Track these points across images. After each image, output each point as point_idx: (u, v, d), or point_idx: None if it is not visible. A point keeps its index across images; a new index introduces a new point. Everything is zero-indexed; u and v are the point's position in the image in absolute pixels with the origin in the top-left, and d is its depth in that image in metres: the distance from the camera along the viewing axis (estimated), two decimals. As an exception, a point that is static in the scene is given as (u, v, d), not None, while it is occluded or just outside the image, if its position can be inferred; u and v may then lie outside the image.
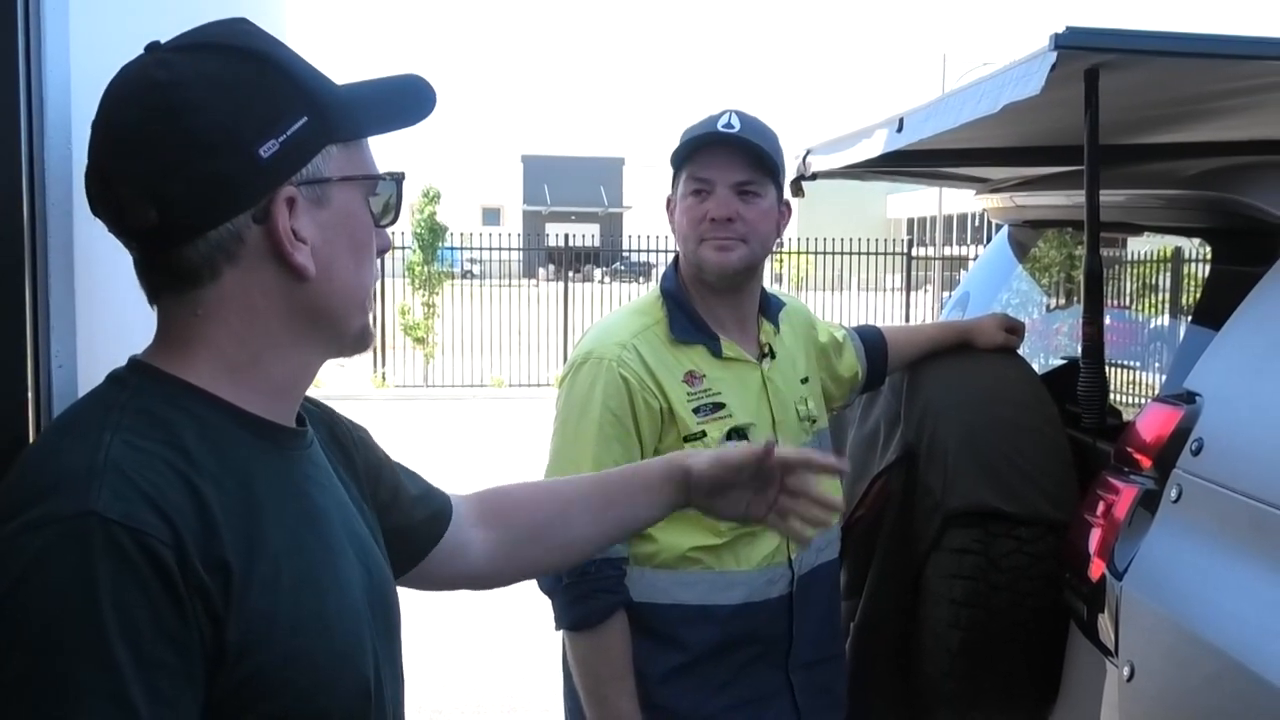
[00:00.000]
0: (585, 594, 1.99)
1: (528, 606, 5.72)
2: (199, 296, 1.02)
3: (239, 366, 1.04)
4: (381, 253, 1.14)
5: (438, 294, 16.80)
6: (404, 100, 1.13)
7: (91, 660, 0.86)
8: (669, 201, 2.17)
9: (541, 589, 2.06)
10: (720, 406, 2.05)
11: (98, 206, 1.03)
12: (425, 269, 16.66)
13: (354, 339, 1.13)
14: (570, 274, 17.71)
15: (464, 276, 19.01)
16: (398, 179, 1.14)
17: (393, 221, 1.15)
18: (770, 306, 2.23)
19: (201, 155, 0.98)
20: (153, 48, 1.03)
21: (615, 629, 2.00)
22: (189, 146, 0.98)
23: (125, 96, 1.01)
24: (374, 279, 1.15)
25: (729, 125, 2.05)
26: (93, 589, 0.87)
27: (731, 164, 2.06)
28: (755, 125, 2.09)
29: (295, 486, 1.08)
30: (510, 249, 19.44)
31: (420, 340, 16.45)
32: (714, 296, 2.12)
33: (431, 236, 16.69)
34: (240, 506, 0.98)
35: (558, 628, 2.07)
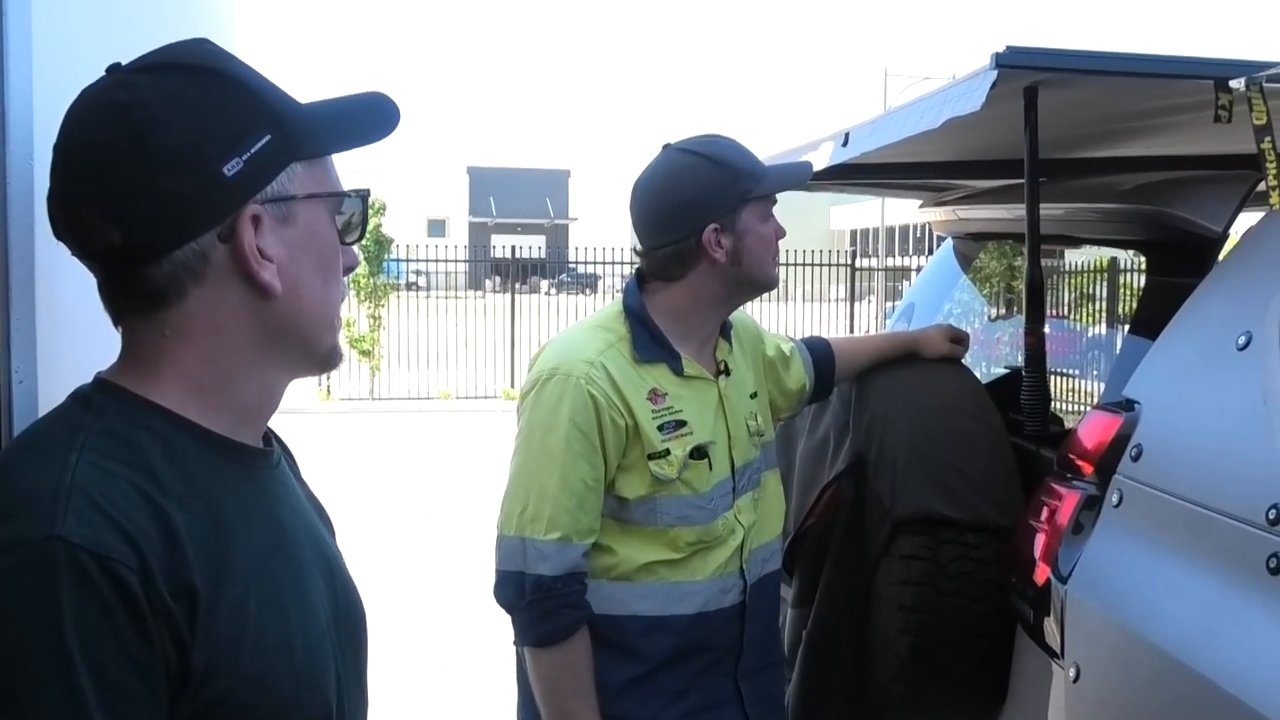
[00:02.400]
0: (550, 610, 1.99)
1: (481, 620, 5.70)
2: (165, 317, 1.01)
3: (207, 387, 1.03)
4: (348, 270, 1.13)
5: (384, 306, 16.69)
6: (367, 117, 1.12)
7: (54, 686, 0.85)
8: (715, 235, 2.09)
9: (500, 604, 2.05)
10: (682, 424, 2.07)
11: (61, 229, 1.01)
12: (370, 281, 16.56)
13: (323, 357, 1.12)
14: (516, 286, 17.67)
15: (409, 288, 18.88)
16: (363, 195, 1.13)
17: (359, 239, 1.14)
18: (725, 324, 2.26)
19: (165, 174, 0.97)
20: (114, 69, 1.02)
21: (579, 644, 2.01)
22: (152, 166, 0.97)
23: (86, 118, 1.00)
24: (341, 296, 1.14)
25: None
26: (56, 614, 0.86)
27: None
28: None
29: (263, 508, 1.07)
30: (456, 260, 19.35)
31: (366, 353, 16.33)
32: (714, 315, 2.18)
33: (377, 248, 16.59)
34: (207, 529, 0.97)
35: (520, 645, 2.07)
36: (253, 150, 1.01)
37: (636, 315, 2.13)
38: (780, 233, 2.20)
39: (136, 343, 1.03)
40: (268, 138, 1.02)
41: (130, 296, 1.01)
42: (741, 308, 2.34)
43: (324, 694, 1.06)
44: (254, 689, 0.97)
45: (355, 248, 1.15)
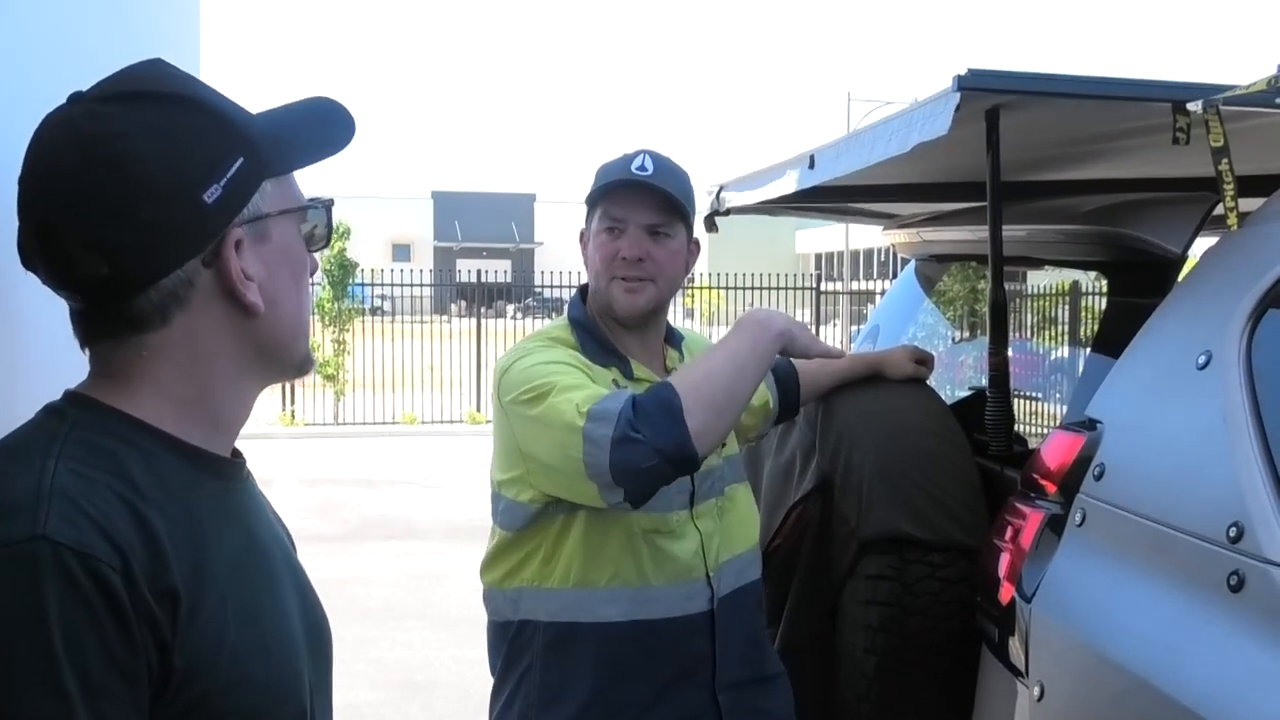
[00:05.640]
0: (658, 402, 1.84)
1: (446, 642, 5.66)
2: (145, 340, 1.02)
3: (183, 400, 1.05)
4: (310, 274, 1.15)
5: (348, 331, 16.60)
6: (327, 129, 1.15)
7: (40, 687, 0.86)
8: (582, 235, 2.21)
9: (635, 472, 1.82)
10: None
11: (35, 259, 1.01)
12: (335, 306, 16.46)
13: (298, 364, 1.15)
14: (482, 310, 17.62)
15: (373, 313, 18.80)
16: (327, 205, 1.16)
17: (324, 247, 1.17)
18: (674, 337, 2.28)
19: (149, 206, 0.98)
20: (76, 98, 1.02)
21: (680, 381, 1.88)
22: (136, 198, 0.98)
23: (59, 149, 0.99)
24: (311, 303, 1.17)
25: (642, 168, 2.10)
26: (42, 615, 0.87)
27: (644, 206, 2.10)
28: (668, 167, 2.13)
29: (236, 518, 1.08)
30: (421, 285, 19.28)
31: (330, 377, 16.23)
32: (621, 328, 2.16)
33: (341, 273, 16.50)
34: (185, 535, 0.98)
35: (692, 441, 1.82)
36: (229, 175, 1.03)
37: (581, 324, 2.16)
38: (620, 251, 2.09)
39: (110, 360, 1.04)
40: (240, 160, 1.04)
41: (110, 323, 1.02)
42: (692, 329, 2.35)
43: (299, 701, 1.08)
44: (233, 693, 0.98)
45: (317, 254, 1.17)
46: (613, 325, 2.16)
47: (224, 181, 1.02)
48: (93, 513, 0.91)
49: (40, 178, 1.00)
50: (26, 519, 0.89)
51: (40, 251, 1.01)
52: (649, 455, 1.80)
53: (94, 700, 0.88)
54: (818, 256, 51.90)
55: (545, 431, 1.92)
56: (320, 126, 1.15)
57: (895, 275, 4.41)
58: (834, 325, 24.03)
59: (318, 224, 1.15)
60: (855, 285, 36.10)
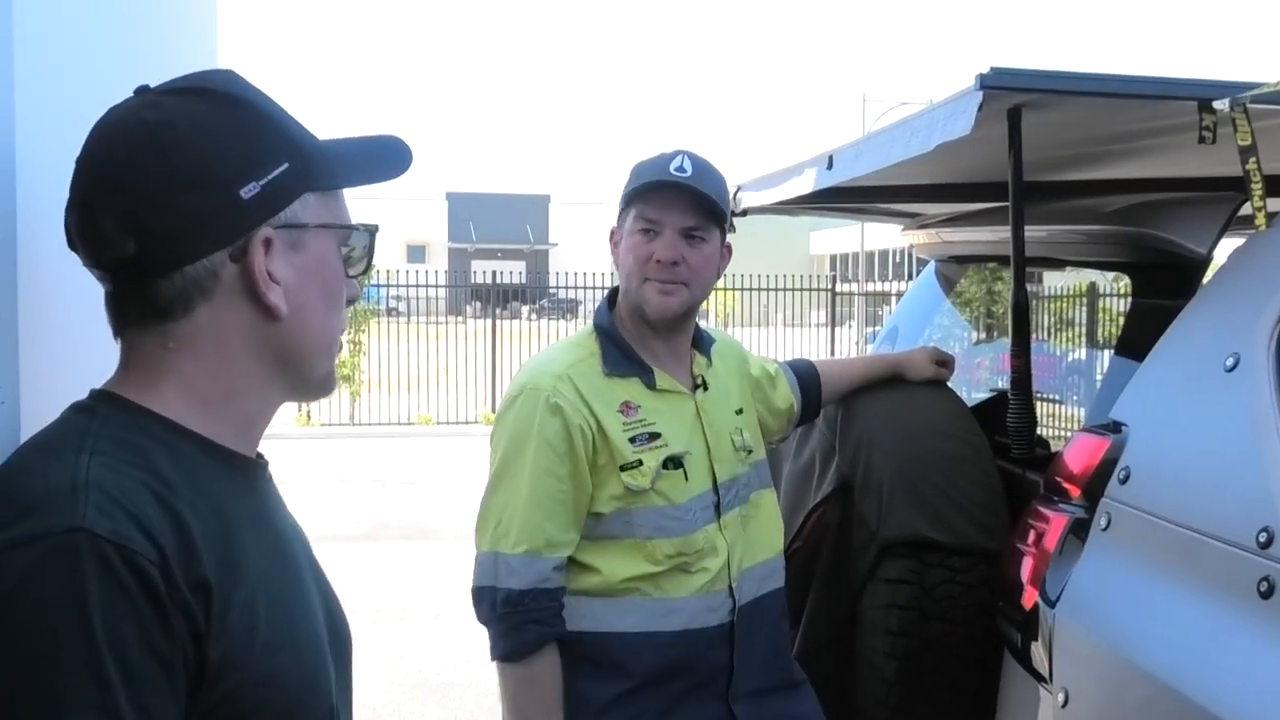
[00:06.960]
0: (517, 625, 1.98)
1: (463, 644, 5.66)
2: (170, 330, 1.04)
3: (208, 400, 1.06)
4: (350, 302, 1.17)
5: (364, 332, 16.62)
6: (381, 157, 1.17)
7: (82, 675, 0.87)
8: (613, 234, 2.19)
9: (479, 619, 2.06)
10: (656, 435, 2.07)
11: (76, 239, 1.04)
12: (351, 307, 16.48)
13: (318, 383, 1.15)
14: (497, 311, 17.63)
15: (389, 314, 18.86)
16: (371, 231, 1.17)
17: (364, 272, 1.18)
18: (703, 341, 2.26)
19: (184, 192, 1.00)
20: (142, 91, 1.05)
21: (545, 662, 2.00)
22: (172, 183, 1.00)
23: (112, 133, 1.02)
24: (342, 328, 1.17)
25: (681, 169, 2.08)
26: (84, 604, 0.87)
27: (680, 208, 2.08)
28: (706, 170, 2.11)
29: (262, 515, 1.10)
30: (436, 286, 19.32)
31: (346, 378, 16.25)
32: (651, 331, 2.15)
33: (357, 274, 16.52)
34: (216, 531, 0.99)
35: (492, 658, 2.07)
36: (270, 176, 1.05)
37: (605, 332, 2.15)
38: (655, 254, 2.08)
39: (137, 354, 1.06)
40: (285, 166, 1.06)
41: (138, 307, 1.04)
42: (724, 331, 2.34)
43: (327, 696, 1.09)
44: (265, 687, 1.00)
45: (357, 281, 1.18)
46: (642, 328, 2.14)
47: (264, 182, 1.04)
48: (128, 505, 0.93)
49: (88, 158, 1.03)
50: (64, 511, 0.90)
51: (77, 229, 1.03)
52: (484, 622, 2.06)
53: (134, 688, 0.89)
54: (833, 257, 51.87)
55: (484, 500, 2.10)
56: (376, 156, 1.17)
57: (911, 276, 4.39)
58: (849, 327, 24.00)
59: (357, 246, 1.16)
60: (870, 286, 36.04)
